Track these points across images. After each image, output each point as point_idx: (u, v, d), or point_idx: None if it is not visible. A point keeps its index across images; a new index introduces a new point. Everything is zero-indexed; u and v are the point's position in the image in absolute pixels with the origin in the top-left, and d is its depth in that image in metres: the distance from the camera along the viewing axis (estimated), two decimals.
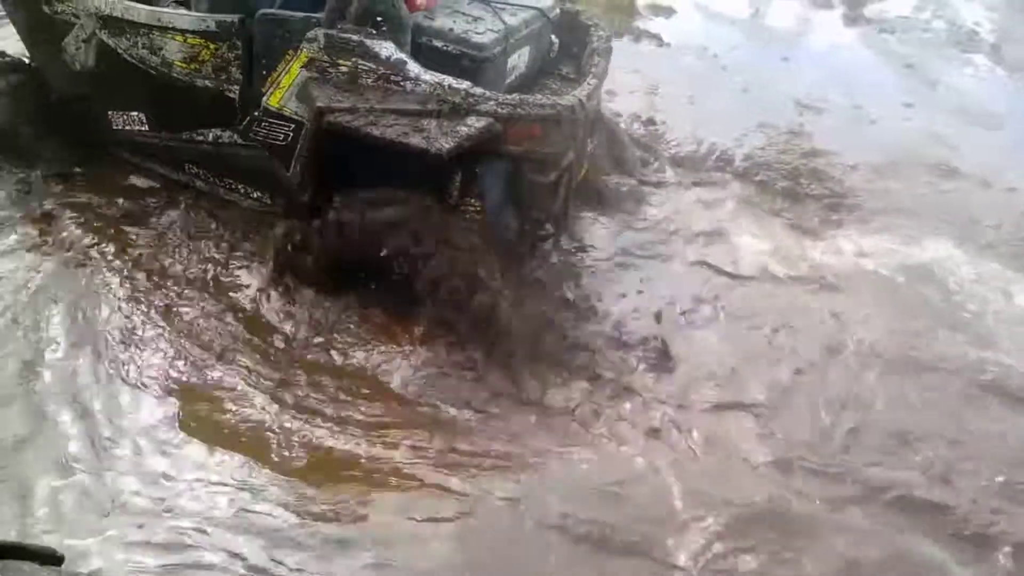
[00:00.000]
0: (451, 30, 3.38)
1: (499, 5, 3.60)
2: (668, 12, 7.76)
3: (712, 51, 6.97)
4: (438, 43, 3.37)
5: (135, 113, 3.85)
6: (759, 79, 6.47)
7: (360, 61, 3.18)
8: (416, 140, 3.07)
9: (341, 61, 3.21)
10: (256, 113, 3.47)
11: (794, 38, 7.86)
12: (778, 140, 5.53)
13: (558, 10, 3.98)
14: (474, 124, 3.09)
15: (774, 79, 6.54)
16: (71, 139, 4.08)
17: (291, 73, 3.31)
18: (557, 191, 3.50)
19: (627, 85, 5.92)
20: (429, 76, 3.17)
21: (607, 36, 4.05)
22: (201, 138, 3.70)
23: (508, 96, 3.22)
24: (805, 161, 5.29)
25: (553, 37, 4.02)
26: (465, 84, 3.15)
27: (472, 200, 3.43)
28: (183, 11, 3.55)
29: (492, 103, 3.14)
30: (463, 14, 3.52)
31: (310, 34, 3.23)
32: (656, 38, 7.13)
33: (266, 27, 3.32)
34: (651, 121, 5.52)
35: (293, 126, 3.39)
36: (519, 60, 3.66)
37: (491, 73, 3.39)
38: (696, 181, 4.95)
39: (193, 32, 3.43)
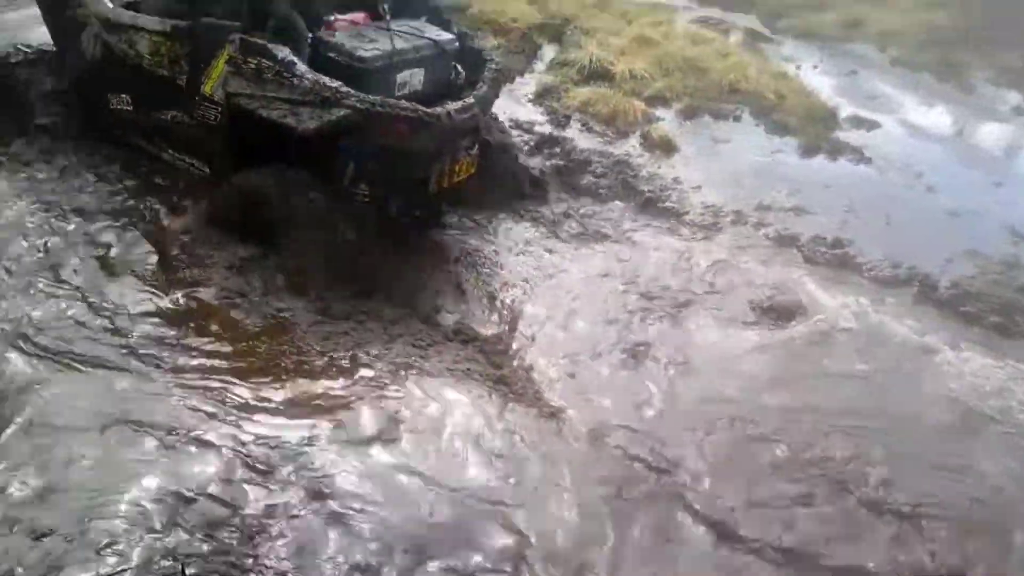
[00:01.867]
0: (343, 45, 4.23)
1: (399, 32, 4.40)
2: (871, 125, 7.62)
3: (916, 169, 6.74)
4: (333, 54, 4.24)
5: (124, 95, 4.82)
6: (968, 203, 6.17)
7: (263, 60, 4.04)
8: (290, 121, 4.01)
9: (250, 59, 4.09)
10: (196, 98, 4.36)
11: (1006, 160, 7.43)
12: (990, 270, 5.21)
13: (457, 44, 4.70)
14: (336, 113, 3.91)
15: (985, 204, 6.21)
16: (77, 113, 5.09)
17: (218, 67, 4.23)
18: (428, 184, 4.38)
19: (820, 202, 5.88)
20: (311, 75, 3.96)
21: (497, 67, 4.81)
22: (163, 116, 4.64)
23: (370, 96, 3.95)
24: (1020, 296, 4.94)
25: (458, 67, 4.77)
26: (337, 83, 3.93)
27: (361, 185, 4.23)
28: (150, 17, 4.51)
29: (355, 99, 3.91)
30: (363, 36, 4.36)
31: (231, 37, 4.12)
32: (857, 152, 7.00)
33: (204, 30, 4.25)
34: (838, 243, 5.37)
35: (219, 108, 4.30)
36: (411, 78, 4.44)
37: (375, 83, 4.16)
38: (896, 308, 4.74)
39: (156, 32, 4.44)
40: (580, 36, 8.64)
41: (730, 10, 11.31)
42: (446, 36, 4.67)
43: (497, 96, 4.85)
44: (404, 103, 4.07)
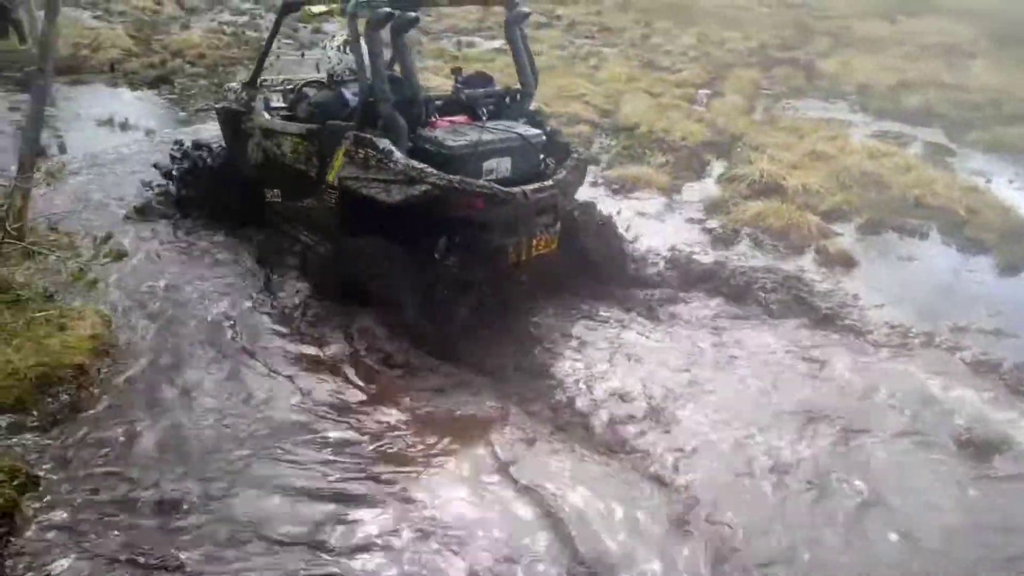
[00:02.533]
0: (436, 138, 4.80)
1: (489, 128, 5.00)
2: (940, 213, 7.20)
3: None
4: (427, 146, 4.77)
5: (275, 190, 5.85)
6: None
7: (369, 150, 4.71)
8: (382, 196, 4.66)
9: (360, 150, 4.78)
10: (323, 186, 5.14)
11: None
12: None
13: (543, 138, 5.20)
14: (418, 188, 4.49)
15: None
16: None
17: (338, 159, 4.96)
18: (506, 254, 4.77)
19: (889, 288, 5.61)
20: (404, 160, 4.57)
21: (579, 156, 5.36)
22: (301, 204, 5.51)
23: (449, 175, 4.49)
24: None
25: (546, 159, 5.22)
26: (423, 165, 4.51)
27: (451, 258, 4.71)
28: (292, 123, 5.50)
29: (434, 177, 4.47)
30: (457, 131, 4.94)
31: (347, 134, 4.86)
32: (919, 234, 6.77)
33: (329, 131, 5.05)
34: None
35: (337, 193, 5.03)
36: (498, 165, 4.90)
37: (462, 168, 4.63)
38: None
39: (296, 135, 5.39)
40: (749, 152, 8.66)
41: (910, 124, 10.93)
42: (533, 131, 5.16)
43: (580, 182, 5.47)
44: (481, 182, 4.62)
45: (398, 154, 4.62)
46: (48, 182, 5.46)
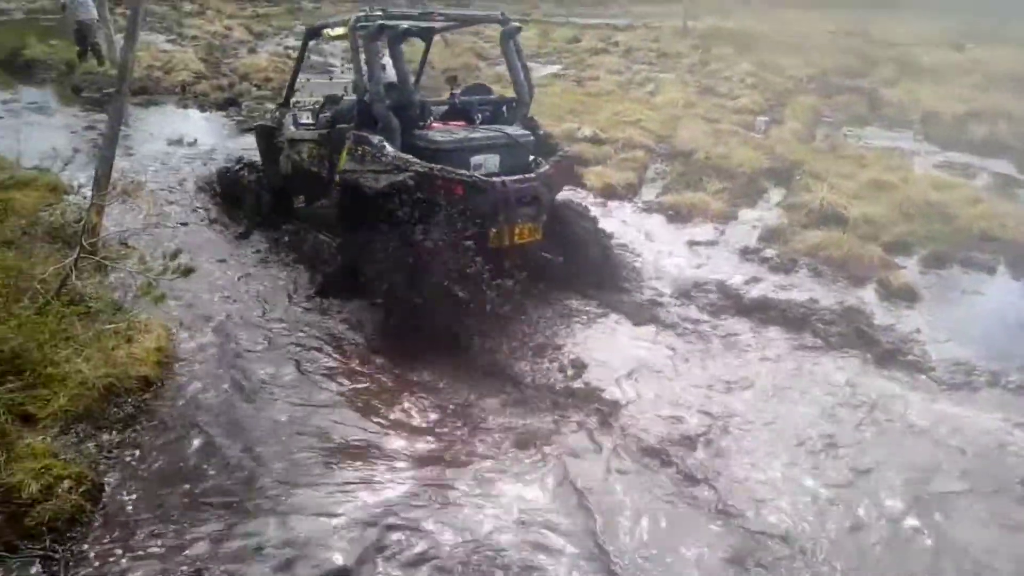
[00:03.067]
0: (428, 136, 5.39)
1: (479, 129, 5.64)
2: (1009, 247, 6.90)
3: None
4: (420, 143, 5.32)
5: (301, 196, 6.78)
6: None
7: (365, 146, 5.30)
8: (371, 183, 5.22)
9: (359, 147, 5.36)
10: (332, 185, 5.74)
11: None
12: None
13: (531, 139, 5.73)
14: (402, 175, 5.02)
15: None
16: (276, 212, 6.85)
17: (342, 158, 5.54)
18: (487, 239, 5.15)
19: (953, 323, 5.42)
20: (394, 153, 5.14)
21: (563, 154, 5.86)
22: (319, 205, 6.34)
23: (431, 165, 5.05)
24: None
25: (536, 158, 5.69)
26: (408, 156, 5.09)
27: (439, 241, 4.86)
28: (309, 131, 6.27)
29: (417, 166, 5.03)
30: (448, 132, 5.52)
31: (348, 134, 5.49)
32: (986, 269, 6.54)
33: (336, 134, 5.76)
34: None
35: (340, 188, 5.59)
36: (486, 161, 5.39)
37: (450, 162, 5.15)
38: None
39: (311, 140, 6.18)
40: (809, 180, 8.51)
41: (977, 154, 10.60)
42: (521, 132, 5.69)
43: (567, 178, 6.14)
44: (461, 171, 5.10)
45: (389, 148, 5.18)
46: (123, 199, 5.70)
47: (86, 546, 3.12)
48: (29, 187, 6.72)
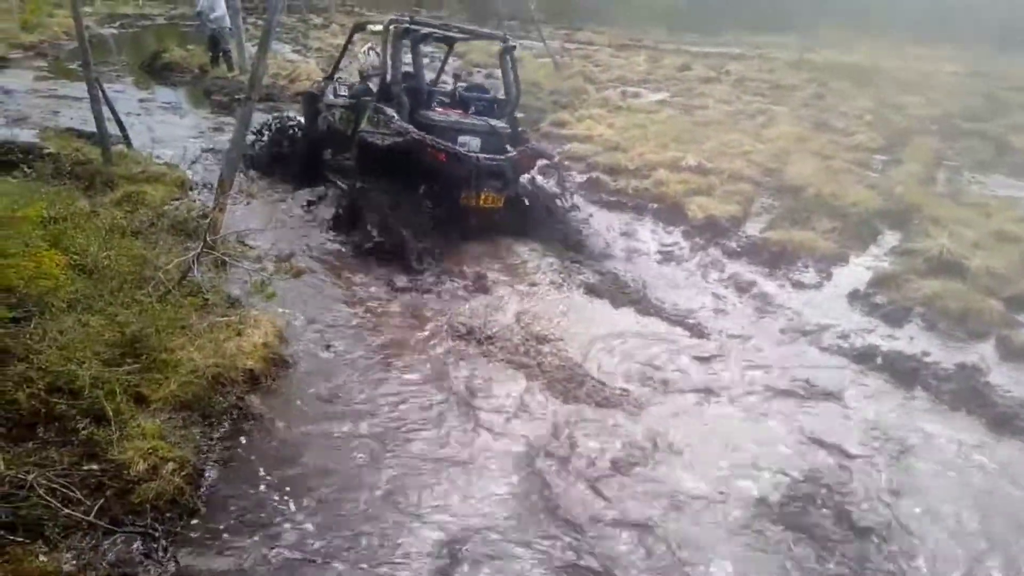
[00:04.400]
0: (428, 115, 6.96)
1: (471, 117, 7.27)
2: None
3: None
4: (422, 119, 6.83)
5: (330, 151, 7.97)
6: None
7: (382, 115, 6.78)
8: (379, 141, 6.67)
9: (376, 115, 6.88)
10: (354, 143, 7.10)
11: None
12: None
13: (508, 129, 7.31)
14: (402, 139, 6.48)
15: None
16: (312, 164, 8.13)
17: (363, 121, 7.07)
18: (459, 199, 6.75)
19: None
20: (399, 122, 6.61)
21: (530, 145, 7.36)
22: (343, 159, 7.53)
23: (424, 135, 6.48)
24: None
25: (509, 146, 7.21)
26: (409, 125, 6.56)
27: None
28: (342, 99, 7.77)
29: (413, 134, 6.45)
30: (446, 115, 7.13)
31: (370, 105, 7.03)
32: None
33: (360, 103, 7.28)
34: None
35: (358, 143, 7.03)
36: (469, 141, 6.90)
37: (442, 136, 6.67)
38: None
39: (342, 106, 7.67)
40: (928, 225, 8.08)
41: None
42: (501, 124, 7.25)
43: (531, 164, 7.40)
44: (446, 142, 6.56)
45: (397, 118, 6.65)
46: (247, 201, 6.00)
47: (184, 527, 3.26)
48: (159, 181, 7.17)
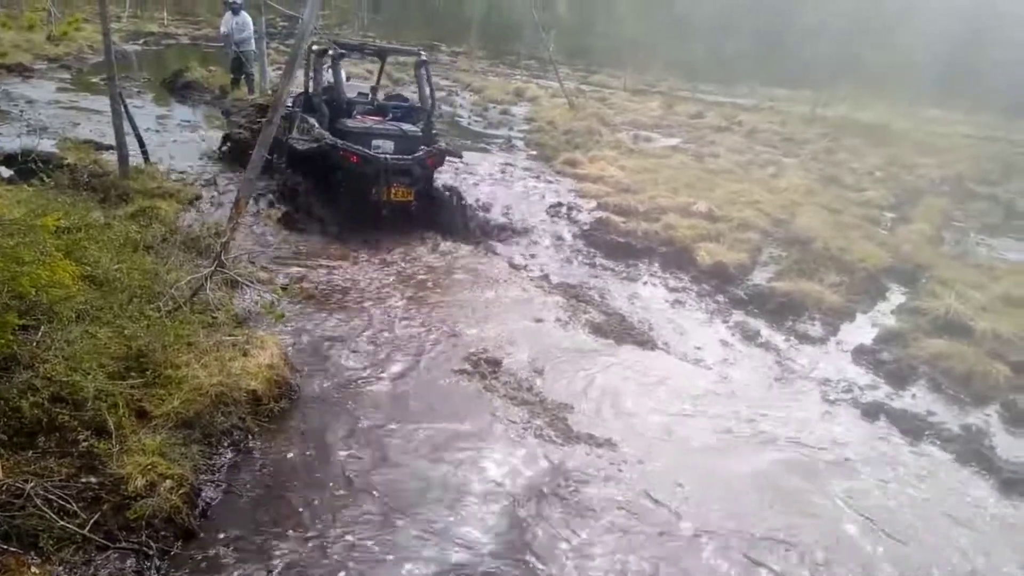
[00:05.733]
0: (345, 123, 7.90)
1: (386, 123, 8.21)
2: None
3: None
4: (340, 127, 7.80)
5: (275, 154, 8.23)
6: None
7: (305, 124, 7.90)
8: (301, 147, 7.91)
9: (302, 124, 8.03)
10: (284, 148, 8.38)
11: None
12: None
13: (420, 134, 8.15)
14: (318, 144, 7.52)
15: None
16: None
17: (294, 129, 8.26)
18: (370, 194, 7.72)
19: None
20: (319, 130, 7.59)
21: (436, 148, 8.17)
22: (279, 161, 8.47)
23: (336, 139, 7.55)
24: None
25: (423, 146, 8.09)
26: (326, 133, 7.57)
27: (342, 188, 7.81)
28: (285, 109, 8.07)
29: (327, 140, 7.52)
30: (361, 122, 8.10)
31: (297, 115, 8.21)
32: None
33: (291, 113, 8.30)
34: None
35: (287, 148, 8.31)
36: (383, 144, 7.83)
37: (356, 141, 7.67)
38: None
39: (284, 117, 7.97)
40: (935, 285, 8.10)
41: None
42: (412, 129, 8.15)
43: (440, 163, 8.33)
44: (357, 147, 7.59)
45: (317, 126, 7.69)
46: (266, 222, 6.06)
47: (178, 547, 3.23)
48: (173, 197, 7.24)
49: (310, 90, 8.08)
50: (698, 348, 6.29)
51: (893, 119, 20.42)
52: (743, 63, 29.11)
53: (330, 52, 8.10)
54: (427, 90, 8.50)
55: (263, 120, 9.34)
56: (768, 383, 5.85)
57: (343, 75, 8.64)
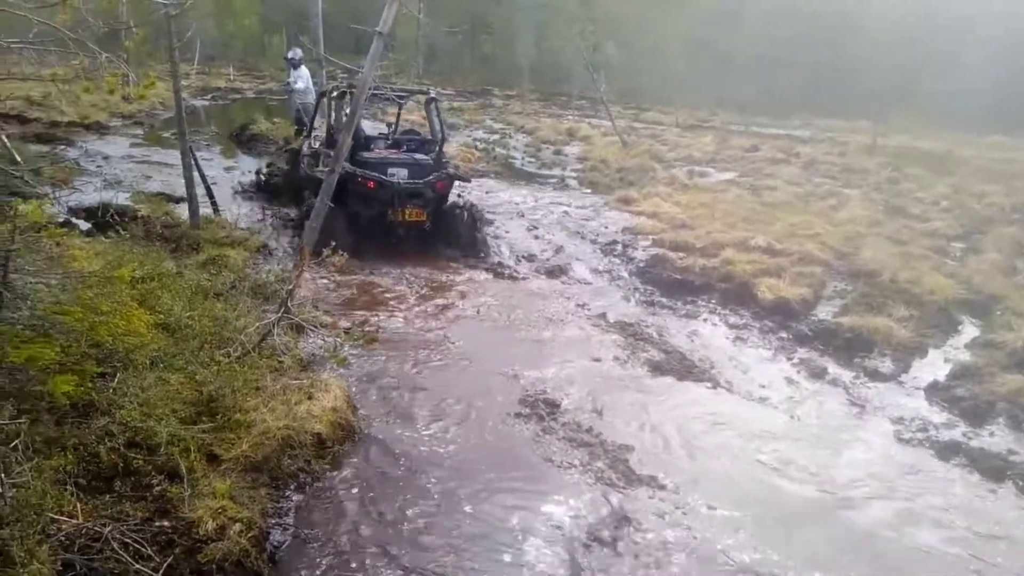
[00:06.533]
0: (362, 154, 8.81)
1: (400, 154, 9.15)
2: None
3: None
4: (359, 158, 8.70)
5: (307, 191, 9.15)
6: None
7: (326, 157, 8.05)
8: (319, 175, 8.13)
9: (326, 158, 8.17)
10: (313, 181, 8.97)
11: None
12: None
13: (431, 162, 9.05)
14: (339, 172, 7.41)
15: None
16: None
17: (319, 164, 8.89)
18: (386, 215, 8.63)
19: None
20: (340, 162, 7.56)
21: (445, 173, 9.15)
22: (306, 194, 9.14)
23: (354, 168, 8.37)
24: None
25: (434, 172, 8.98)
26: (347, 165, 7.92)
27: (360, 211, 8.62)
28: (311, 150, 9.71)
29: (347, 169, 7.94)
30: (377, 154, 9.16)
31: (321, 152, 8.86)
32: None
33: (317, 151, 9.21)
34: None
35: (315, 180, 8.63)
36: (398, 172, 8.71)
37: (375, 169, 8.59)
38: None
39: (309, 155, 9.60)
40: (1010, 317, 7.77)
41: None
42: (423, 158, 9.12)
43: (449, 187, 9.21)
44: (374, 173, 8.50)
45: (332, 156, 7.88)
46: (334, 269, 6.23)
47: None
48: (241, 246, 7.50)
49: (331, 128, 9.08)
50: (763, 386, 6.16)
51: (955, 146, 19.86)
52: (796, 96, 28.84)
53: (348, 94, 9.01)
54: (436, 124, 9.50)
55: (287, 161, 10.53)
56: (838, 423, 5.67)
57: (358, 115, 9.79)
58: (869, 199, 14.07)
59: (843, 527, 4.31)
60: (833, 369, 6.64)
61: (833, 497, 4.61)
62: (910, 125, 22.39)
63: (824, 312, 7.98)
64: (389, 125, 10.63)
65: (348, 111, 8.57)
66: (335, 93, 9.13)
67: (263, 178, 11.14)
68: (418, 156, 9.15)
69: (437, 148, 9.37)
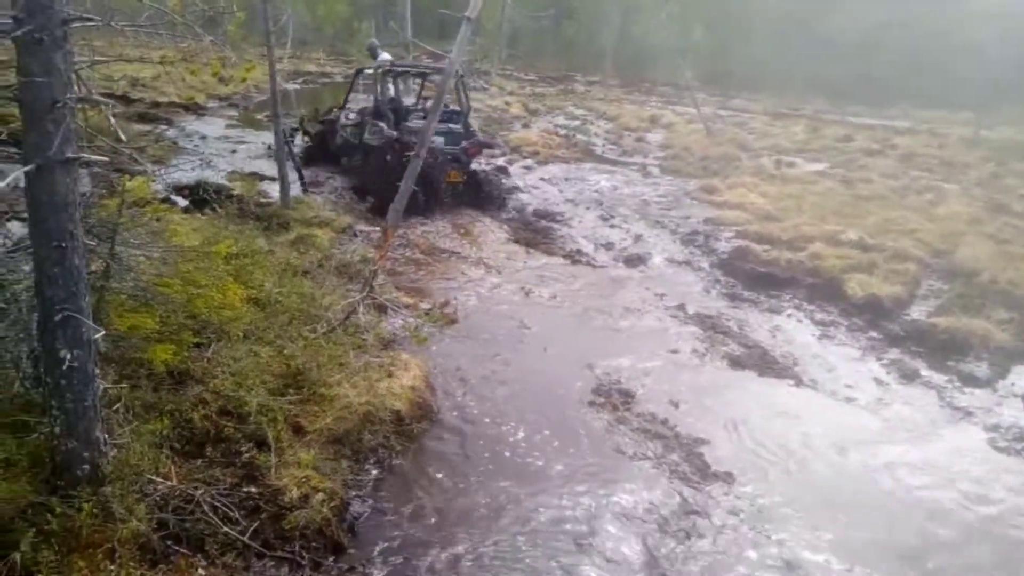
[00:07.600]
0: (407, 125, 9.82)
1: (437, 123, 7.27)
2: None
3: None
4: (402, 128, 9.67)
5: (345, 158, 10.78)
6: None
7: (375, 127, 9.87)
8: (374, 141, 9.84)
9: (373, 127, 9.94)
10: (359, 147, 10.35)
11: None
12: None
13: (462, 130, 10.24)
14: (388, 139, 9.43)
15: None
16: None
17: (365, 133, 10.16)
18: (433, 178, 9.29)
19: None
20: (388, 130, 9.61)
21: (478, 139, 10.53)
22: (351, 161, 10.61)
23: (396, 134, 9.50)
24: None
25: (466, 141, 10.23)
26: (393, 131, 9.58)
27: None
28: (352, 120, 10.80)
29: (393, 135, 9.49)
30: (419, 123, 9.26)
31: (368, 121, 10.17)
32: None
33: (363, 120, 10.35)
34: None
35: (363, 147, 10.25)
36: (437, 140, 9.44)
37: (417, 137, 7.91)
38: None
39: (352, 125, 10.63)
40: None
41: None
42: (456, 127, 10.14)
43: (479, 152, 10.59)
44: (414, 139, 7.95)
45: (385, 128, 9.56)
46: (415, 250, 6.37)
47: (329, 559, 3.39)
48: (328, 227, 7.71)
49: (378, 100, 10.27)
50: (849, 386, 5.95)
51: None
52: (894, 83, 27.48)
53: (391, 71, 10.50)
54: (463, 98, 10.59)
55: (322, 128, 11.54)
56: (929, 428, 5.44)
57: (400, 89, 11.33)
58: (970, 195, 13.32)
59: (937, 541, 4.14)
60: (925, 372, 6.35)
61: (921, 505, 4.43)
62: (1016, 117, 21.00)
63: (918, 312, 7.63)
64: (418, 99, 11.67)
65: (392, 86, 10.50)
66: (378, 70, 10.44)
67: (307, 147, 11.76)
68: (452, 125, 10.16)
69: (464, 119, 10.47)
